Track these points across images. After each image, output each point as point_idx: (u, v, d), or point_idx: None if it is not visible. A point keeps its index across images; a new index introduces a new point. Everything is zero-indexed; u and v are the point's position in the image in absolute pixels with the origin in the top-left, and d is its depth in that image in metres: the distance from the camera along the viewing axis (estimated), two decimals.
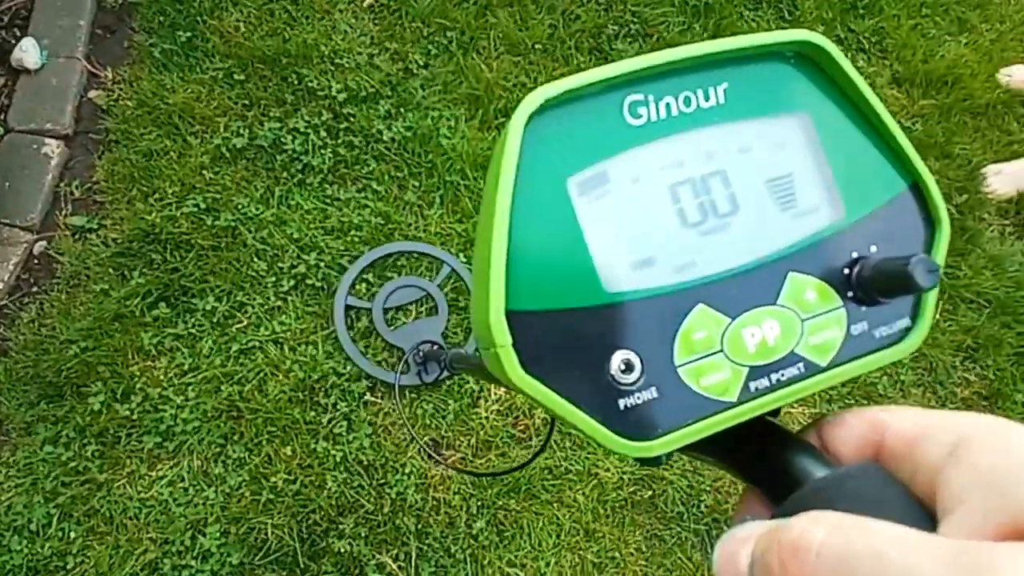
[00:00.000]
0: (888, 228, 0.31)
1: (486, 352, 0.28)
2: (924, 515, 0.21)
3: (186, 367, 1.28)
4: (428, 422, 1.33)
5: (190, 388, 1.26)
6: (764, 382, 0.29)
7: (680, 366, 0.28)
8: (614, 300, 0.28)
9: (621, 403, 0.27)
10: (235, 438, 1.25)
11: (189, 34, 1.54)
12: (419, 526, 1.26)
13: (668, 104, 0.29)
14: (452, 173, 1.51)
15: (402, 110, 1.55)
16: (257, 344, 1.31)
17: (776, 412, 0.30)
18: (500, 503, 1.31)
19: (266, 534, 1.21)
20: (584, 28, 1.71)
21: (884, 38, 1.88)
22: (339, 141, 1.49)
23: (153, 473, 1.23)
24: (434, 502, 1.29)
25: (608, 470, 1.37)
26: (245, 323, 1.32)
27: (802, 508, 0.21)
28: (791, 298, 0.29)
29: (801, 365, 0.29)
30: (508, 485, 1.32)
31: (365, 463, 1.29)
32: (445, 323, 1.40)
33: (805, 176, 0.30)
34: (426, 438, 1.32)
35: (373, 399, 1.33)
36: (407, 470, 1.29)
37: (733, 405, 0.28)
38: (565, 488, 1.35)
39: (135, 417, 1.24)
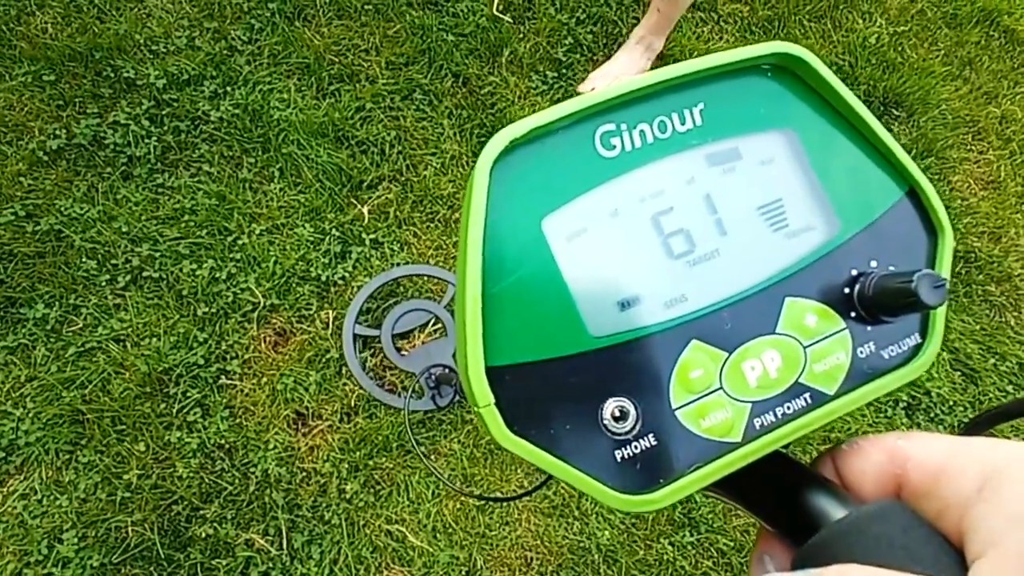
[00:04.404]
0: (887, 240, 0.29)
1: (474, 411, 0.26)
2: (954, 559, 0.19)
3: (22, 378, 1.24)
4: (289, 396, 1.31)
5: (28, 399, 1.22)
6: (769, 417, 0.27)
7: (678, 409, 0.26)
8: (602, 344, 0.26)
9: (618, 455, 0.26)
10: (83, 442, 1.22)
11: None
12: (288, 499, 1.25)
13: (642, 131, 0.28)
14: (288, 144, 1.48)
15: (229, 88, 1.51)
16: (96, 345, 1.27)
17: (787, 445, 0.28)
18: (372, 463, 1.30)
19: (126, 532, 1.18)
20: None
21: None
22: (164, 128, 1.45)
23: (4, 489, 1.19)
24: (303, 473, 1.28)
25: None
26: (81, 325, 1.28)
27: (823, 553, 0.21)
28: (791, 325, 0.27)
29: (808, 396, 0.27)
30: (378, 444, 1.31)
31: (225, 446, 1.26)
32: (455, 345, 1.37)
33: (795, 193, 0.29)
34: (289, 411, 1.30)
35: (229, 382, 1.31)
36: (271, 446, 1.27)
37: (738, 445, 0.26)
38: (440, 438, 1.34)
39: None
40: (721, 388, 0.27)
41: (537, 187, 0.27)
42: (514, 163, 0.26)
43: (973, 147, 1.87)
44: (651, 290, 0.27)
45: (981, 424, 0.58)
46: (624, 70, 1.69)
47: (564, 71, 1.71)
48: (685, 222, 0.28)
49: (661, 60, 1.75)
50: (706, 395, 0.27)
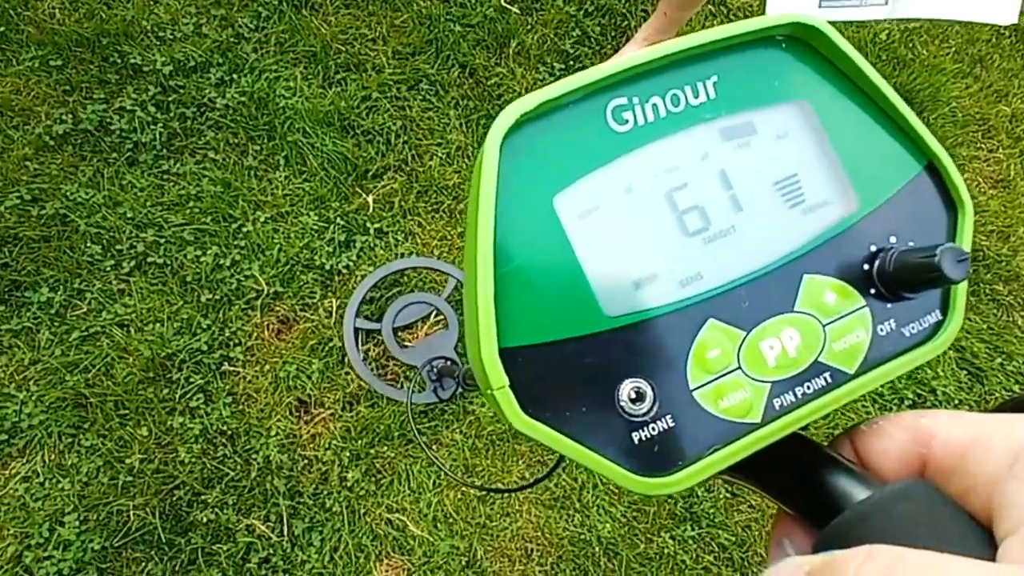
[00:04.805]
0: (906, 215, 0.28)
1: (486, 395, 0.25)
2: (983, 538, 0.19)
3: (26, 361, 1.24)
4: (292, 383, 1.31)
5: (32, 382, 1.23)
6: (789, 397, 0.26)
7: (695, 389, 0.26)
8: (617, 324, 0.26)
9: (635, 437, 0.25)
10: (86, 426, 1.22)
11: (2, 29, 1.47)
12: (289, 486, 1.25)
13: (655, 105, 0.27)
14: (293, 132, 1.48)
15: (235, 76, 1.51)
16: (100, 329, 1.27)
17: (806, 426, 0.27)
18: (374, 452, 1.30)
19: (127, 516, 1.18)
20: None
21: None
22: (170, 115, 1.45)
23: (6, 472, 1.20)
24: (304, 461, 1.28)
25: (484, 406, 1.36)
26: (85, 310, 1.29)
27: (848, 535, 0.20)
28: (809, 302, 0.27)
29: (828, 375, 0.27)
30: (380, 433, 1.31)
31: (228, 432, 1.26)
32: (457, 337, 1.38)
33: (811, 168, 0.28)
34: (292, 398, 1.30)
35: (232, 368, 1.31)
36: (273, 433, 1.27)
37: (758, 426, 0.26)
38: (442, 428, 1.34)
39: None
40: (739, 368, 0.26)
41: (548, 163, 0.26)
42: (524, 139, 0.26)
43: (983, 145, 1.86)
44: (666, 268, 0.26)
45: (1004, 410, 0.58)
46: None
47: (571, 63, 1.70)
48: (700, 198, 0.27)
49: None
50: (724, 375, 0.26)
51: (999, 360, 1.58)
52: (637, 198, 0.26)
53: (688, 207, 0.27)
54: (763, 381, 0.26)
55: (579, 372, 0.25)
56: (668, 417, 0.25)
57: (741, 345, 0.26)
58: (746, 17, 1.78)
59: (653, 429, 0.25)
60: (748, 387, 0.26)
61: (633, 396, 0.25)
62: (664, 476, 0.25)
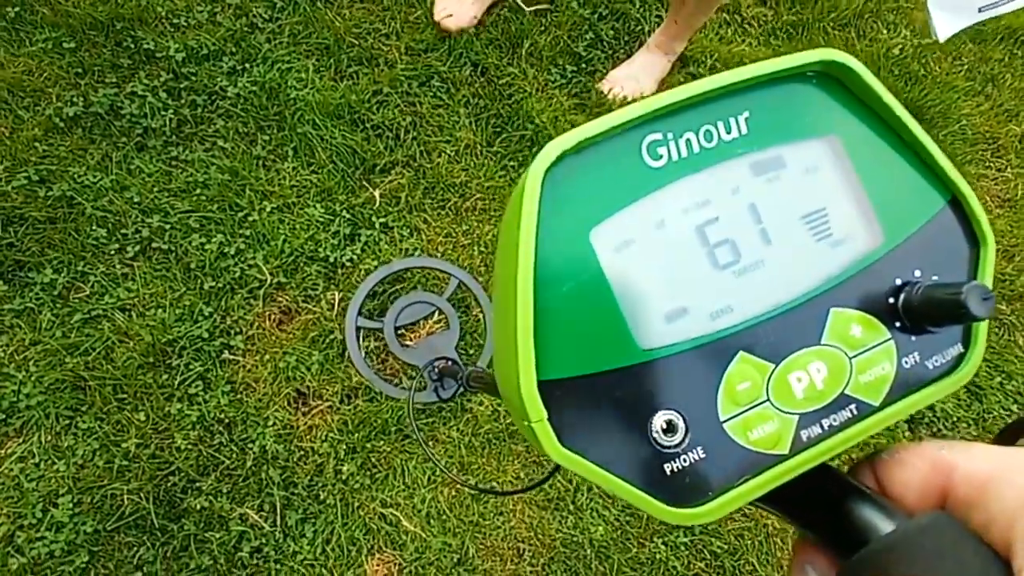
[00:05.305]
0: (930, 249, 0.29)
1: (520, 424, 0.26)
2: (1001, 570, 0.20)
3: (27, 342, 1.24)
4: (291, 375, 1.31)
5: (31, 363, 1.23)
6: (816, 429, 0.27)
7: (726, 421, 0.26)
8: (650, 357, 0.26)
9: (667, 468, 0.26)
10: (83, 409, 1.22)
11: (18, 9, 1.48)
12: (285, 476, 1.25)
13: (688, 141, 0.27)
14: (303, 124, 1.48)
15: (247, 65, 1.51)
16: (102, 312, 1.28)
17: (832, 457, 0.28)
18: (370, 446, 1.30)
19: (121, 500, 1.18)
20: None
21: None
22: (181, 102, 1.45)
23: (2, 451, 1.20)
24: (300, 452, 1.28)
25: (482, 404, 1.36)
26: (88, 293, 1.29)
27: (873, 567, 0.21)
28: (836, 335, 0.27)
29: (854, 407, 0.27)
30: (377, 427, 1.31)
31: (225, 420, 1.26)
32: (458, 338, 1.39)
33: (839, 202, 0.29)
34: (290, 389, 1.30)
35: (232, 357, 1.31)
36: (270, 423, 1.27)
37: (786, 458, 0.26)
38: (439, 425, 1.34)
39: None
40: (768, 400, 0.27)
41: (585, 198, 0.26)
42: (562, 174, 0.26)
43: (992, 164, 1.85)
44: (697, 301, 0.27)
45: (1013, 433, 0.58)
46: (643, 71, 1.67)
47: (583, 66, 1.70)
48: (731, 232, 0.27)
49: (682, 62, 1.74)
50: (753, 407, 0.26)
51: (998, 379, 1.58)
52: (670, 232, 0.27)
53: (719, 240, 0.27)
54: (791, 413, 0.27)
55: (613, 404, 0.26)
56: (699, 448, 0.26)
57: (770, 378, 0.27)
58: (760, 26, 1.78)
59: (684, 460, 0.26)
60: (777, 419, 0.27)
61: (665, 427, 0.25)
62: (695, 507, 0.25)
